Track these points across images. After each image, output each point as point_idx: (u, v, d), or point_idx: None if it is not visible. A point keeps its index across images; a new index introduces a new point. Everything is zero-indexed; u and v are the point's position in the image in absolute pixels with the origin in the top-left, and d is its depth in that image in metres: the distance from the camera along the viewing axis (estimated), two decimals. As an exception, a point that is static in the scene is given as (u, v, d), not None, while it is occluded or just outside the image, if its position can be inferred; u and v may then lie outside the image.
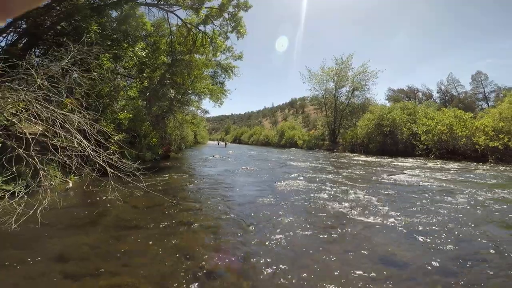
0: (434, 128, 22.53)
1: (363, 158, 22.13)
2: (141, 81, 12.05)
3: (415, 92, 49.03)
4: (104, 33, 10.02)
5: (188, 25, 14.30)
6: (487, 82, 40.32)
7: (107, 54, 8.88)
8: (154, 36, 14.13)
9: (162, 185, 7.46)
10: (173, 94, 16.00)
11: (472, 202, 6.15)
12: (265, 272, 2.92)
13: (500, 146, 17.56)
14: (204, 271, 2.90)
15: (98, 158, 4.98)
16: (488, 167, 14.98)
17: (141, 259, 3.17)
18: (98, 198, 5.69)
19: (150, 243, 3.61)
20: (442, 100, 43.34)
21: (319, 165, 15.26)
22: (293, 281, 2.75)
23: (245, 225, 4.45)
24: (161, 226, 4.25)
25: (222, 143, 53.42)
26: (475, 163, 17.23)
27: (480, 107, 37.41)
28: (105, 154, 5.02)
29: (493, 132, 18.55)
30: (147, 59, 12.52)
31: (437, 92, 45.95)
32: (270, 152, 27.44)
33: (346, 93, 37.42)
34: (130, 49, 10.80)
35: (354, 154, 26.87)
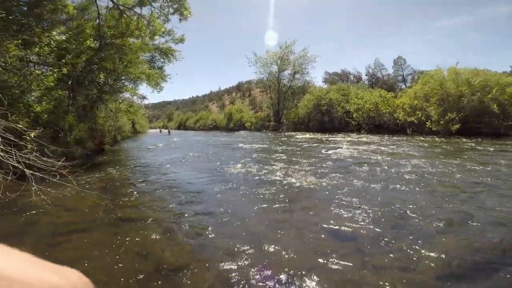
0: (364, 107, 25.49)
1: (305, 135, 23.76)
2: (60, 69, 10.34)
3: (348, 75, 53.84)
4: (11, 17, 8.30)
5: (121, 7, 12.64)
6: (405, 66, 46.69)
7: (14, 41, 7.38)
8: (78, 20, 12.16)
9: (98, 182, 6.78)
10: (102, 81, 14.14)
11: (401, 168, 7.24)
12: (225, 258, 2.92)
13: (415, 121, 20.76)
14: (165, 267, 2.80)
15: (11, 160, 4.22)
16: (406, 138, 17.70)
17: (91, 264, 2.90)
18: (21, 205, 4.89)
19: (96, 246, 3.31)
20: (370, 82, 48.61)
21: (266, 145, 15.83)
22: (253, 264, 2.80)
23: (197, 214, 4.38)
24: (104, 226, 3.91)
25: (165, 131, 50.40)
26: (396, 135, 20.19)
27: (400, 87, 43.15)
28: (20, 154, 4.28)
29: (410, 109, 21.76)
30: (68, 44, 10.79)
31: (366, 75, 51.38)
32: (218, 136, 27.16)
33: (288, 76, 39.35)
34: (46, 34, 9.12)
35: (297, 133, 28.66)
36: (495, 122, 16.74)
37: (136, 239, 3.48)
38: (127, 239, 3.48)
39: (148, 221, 4.05)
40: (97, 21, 12.75)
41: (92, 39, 12.90)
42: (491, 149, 10.88)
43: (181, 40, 16.81)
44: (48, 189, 4.52)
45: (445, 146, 12.47)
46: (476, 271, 2.56)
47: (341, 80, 48.21)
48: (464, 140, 15.15)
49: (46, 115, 8.88)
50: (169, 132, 45.78)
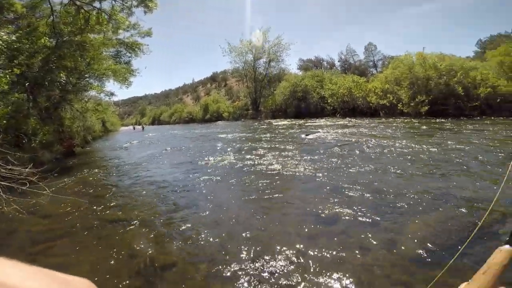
0: (338, 92, 26.22)
1: (283, 122, 24.09)
2: (11, 70, 9.37)
3: (321, 61, 54.63)
4: None
5: (78, 3, 11.57)
6: (376, 52, 48.20)
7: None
8: (28, 18, 11.01)
9: (73, 186, 6.37)
10: (64, 80, 13.08)
11: (377, 150, 7.54)
12: (213, 251, 2.91)
13: (387, 104, 21.73)
14: (154, 265, 2.74)
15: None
16: (380, 120, 18.49)
17: (76, 269, 2.76)
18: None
19: (79, 251, 3.15)
20: (342, 68, 49.75)
21: (246, 134, 15.80)
22: (242, 252, 2.82)
23: (180, 208, 4.28)
24: (86, 230, 3.71)
25: (138, 127, 48.36)
26: (370, 118, 21.06)
27: (371, 73, 44.58)
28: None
29: (381, 93, 22.68)
30: (20, 44, 9.78)
31: (338, 61, 52.43)
32: (196, 129, 26.59)
33: (264, 64, 39.34)
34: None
35: (275, 120, 29.03)
36: (460, 103, 17.92)
37: (121, 240, 3.36)
38: (111, 241, 3.36)
39: (131, 221, 3.91)
40: (51, 18, 11.68)
41: (47, 38, 11.81)
42: (457, 129, 11.71)
43: (148, 34, 16.10)
44: (20, 198, 4.20)
45: (416, 127, 13.21)
46: (452, 248, 2.67)
47: (315, 67, 48.88)
48: (433, 120, 16.16)
49: (4, 121, 8.09)
50: (143, 128, 44.03)
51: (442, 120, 16.20)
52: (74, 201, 4.88)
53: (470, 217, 3.28)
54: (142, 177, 6.76)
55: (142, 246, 3.16)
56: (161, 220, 3.90)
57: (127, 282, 2.50)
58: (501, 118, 15.12)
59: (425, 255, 2.59)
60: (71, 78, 13.95)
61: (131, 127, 55.85)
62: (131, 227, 3.73)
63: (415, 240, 2.84)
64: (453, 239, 2.86)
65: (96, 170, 8.36)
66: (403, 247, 2.73)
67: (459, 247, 2.64)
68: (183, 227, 3.61)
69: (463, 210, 3.47)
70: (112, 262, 2.85)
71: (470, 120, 15.25)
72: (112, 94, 18.61)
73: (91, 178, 7.19)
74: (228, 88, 78.38)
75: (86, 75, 15.16)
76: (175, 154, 10.47)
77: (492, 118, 15.60)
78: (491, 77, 17.88)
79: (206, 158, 8.33)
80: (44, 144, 10.22)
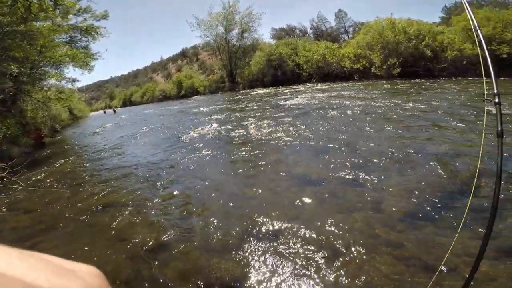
0: (312, 58, 26.22)
1: (261, 91, 23.99)
2: None
3: (294, 29, 53.26)
4: None
5: None
6: (346, 19, 47.79)
7: None
8: None
9: (49, 177, 6.07)
10: (16, 72, 11.93)
11: (354, 111, 7.73)
12: (203, 227, 2.88)
13: (361, 67, 22.15)
14: (147, 247, 2.71)
15: None
16: (354, 84, 18.81)
17: (69, 258, 2.69)
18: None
19: (70, 241, 3.09)
20: (315, 35, 49.00)
21: (224, 105, 15.59)
22: (233, 225, 2.83)
23: (165, 187, 4.22)
24: (72, 220, 3.62)
25: (109, 111, 45.74)
26: (345, 82, 21.37)
27: (343, 39, 44.32)
28: None
29: (354, 57, 22.94)
30: None
31: (310, 29, 51.45)
32: (171, 106, 25.55)
33: (236, 36, 38.03)
34: None
35: (253, 89, 28.73)
36: (429, 65, 18.73)
37: (109, 225, 3.30)
38: (99, 228, 3.31)
39: (117, 206, 3.85)
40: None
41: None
42: (429, 88, 12.32)
43: (104, 16, 15.59)
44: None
45: (389, 88, 13.68)
46: (435, 204, 2.77)
47: (288, 35, 47.72)
48: (404, 81, 16.73)
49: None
50: (114, 111, 41.74)
51: (413, 80, 16.87)
52: (54, 192, 4.68)
53: (448, 171, 3.45)
54: (122, 160, 6.55)
55: (132, 229, 3.11)
56: (148, 202, 3.83)
57: (121, 267, 2.48)
58: (469, 78, 15.99)
59: (411, 215, 2.64)
60: (23, 69, 12.81)
61: (101, 111, 52.77)
62: (118, 211, 3.66)
63: (399, 198, 2.92)
64: (435, 194, 2.93)
65: (71, 159, 7.98)
66: (388, 206, 2.79)
67: (443, 201, 2.79)
68: (171, 206, 3.57)
69: (440, 165, 3.63)
70: (103, 249, 2.82)
71: (439, 81, 16.00)
72: (74, 80, 17.70)
73: (67, 167, 6.86)
74: (200, 62, 74.94)
75: (40, 64, 14.10)
76: (153, 133, 10.14)
77: (459, 78, 16.47)
78: (457, 41, 18.63)
79: (185, 133, 8.16)
80: (9, 138, 9.48)
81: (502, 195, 2.64)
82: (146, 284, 2.23)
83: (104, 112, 46.95)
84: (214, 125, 8.78)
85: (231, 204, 3.31)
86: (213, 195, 3.65)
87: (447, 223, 2.46)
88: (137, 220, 3.33)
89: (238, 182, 3.95)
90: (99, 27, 15.66)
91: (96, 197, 4.32)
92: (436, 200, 2.83)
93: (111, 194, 4.39)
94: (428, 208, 2.71)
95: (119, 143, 9.27)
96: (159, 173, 4.93)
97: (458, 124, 5.50)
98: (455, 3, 38.57)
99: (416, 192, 3.02)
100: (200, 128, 8.57)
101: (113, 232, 3.12)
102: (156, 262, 2.47)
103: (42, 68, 14.53)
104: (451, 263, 1.96)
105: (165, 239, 2.81)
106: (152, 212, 3.49)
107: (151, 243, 2.78)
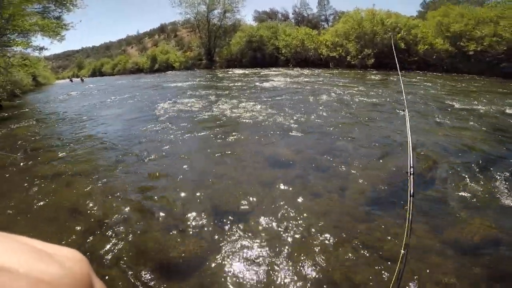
0: (291, 43, 26.33)
1: (239, 71, 23.64)
2: None
3: (276, 13, 52.98)
4: None
5: None
6: (328, 6, 48.33)
7: None
8: None
9: (1, 141, 5.62)
10: None
11: (326, 97, 8.08)
12: (168, 203, 2.76)
13: (336, 56, 22.58)
14: (106, 220, 2.57)
15: None
16: (329, 71, 19.30)
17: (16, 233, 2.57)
18: None
19: (17, 212, 2.84)
20: (296, 20, 49.04)
21: (199, 82, 15.22)
22: (198, 203, 2.74)
23: (130, 160, 4.00)
24: (22, 189, 3.31)
25: (76, 79, 42.71)
26: (321, 68, 21.78)
27: (323, 26, 44.80)
28: None
29: (331, 45, 23.33)
30: None
31: (292, 14, 51.48)
32: (144, 78, 24.43)
33: (218, 15, 37.31)
34: None
35: (230, 69, 28.24)
36: (402, 58, 19.50)
37: (66, 196, 3.08)
38: (53, 196, 3.09)
39: (76, 175, 3.61)
40: None
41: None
42: (398, 79, 13.01)
43: None
44: None
45: (360, 77, 14.29)
46: (394, 193, 2.86)
47: (270, 19, 47.23)
48: (377, 72, 17.50)
49: None
50: (82, 80, 38.90)
51: (385, 71, 17.65)
52: (4, 156, 4.32)
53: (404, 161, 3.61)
54: (86, 128, 6.20)
55: (90, 201, 2.92)
56: (110, 172, 3.64)
57: (76, 241, 2.34)
58: (435, 73, 16.87)
59: (374, 202, 2.73)
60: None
61: (67, 80, 48.98)
62: (76, 181, 3.43)
63: (361, 184, 2.98)
64: (394, 182, 3.00)
65: (29, 123, 7.45)
66: (354, 194, 2.85)
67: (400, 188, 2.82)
68: (133, 179, 3.40)
69: (399, 152, 3.75)
70: (57, 220, 2.65)
71: (409, 72, 16.83)
72: (42, 48, 16.81)
73: (23, 132, 6.37)
74: (179, 39, 71.73)
75: (6, 32, 13.45)
76: (122, 103, 9.71)
77: (425, 72, 17.38)
78: (430, 35, 19.41)
79: (157, 107, 7.91)
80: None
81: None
82: (103, 261, 2.12)
83: (71, 80, 43.75)
84: (187, 99, 8.61)
85: (199, 181, 3.19)
86: (180, 171, 3.50)
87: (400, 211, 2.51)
88: (95, 192, 3.12)
89: (207, 160, 3.84)
90: (75, -2, 15.03)
91: (51, 165, 4.04)
92: (395, 188, 2.90)
93: (69, 162, 4.12)
94: (388, 195, 2.79)
95: (84, 111, 8.78)
96: (123, 145, 4.69)
97: (419, 114, 5.85)
98: (433, -4, 39.53)
99: (377, 179, 3.07)
100: (172, 102, 8.37)
101: (68, 205, 2.91)
102: (115, 239, 2.33)
103: (8, 35, 13.88)
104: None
105: (125, 214, 2.66)
106: (114, 184, 3.29)
107: (110, 217, 2.62)
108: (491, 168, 3.22)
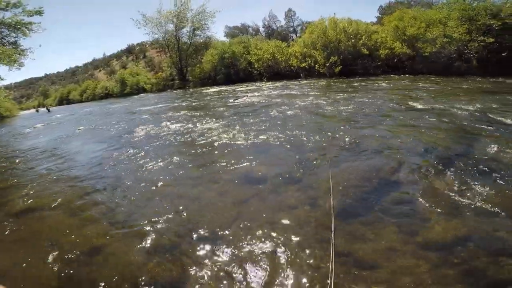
0: (263, 57, 26.81)
1: (213, 89, 23.77)
2: None
3: (247, 28, 54.06)
4: None
5: None
6: (295, 18, 50.19)
7: None
8: None
9: None
10: None
11: (299, 110, 8.27)
12: (144, 227, 2.79)
13: (306, 66, 23.38)
14: (82, 250, 2.55)
15: None
16: (301, 82, 19.99)
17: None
18: None
19: None
20: (266, 33, 50.43)
21: (172, 104, 15.01)
22: (173, 226, 2.78)
23: (103, 188, 3.96)
24: None
25: (42, 109, 40.71)
26: (293, 80, 22.49)
27: (291, 38, 46.41)
28: None
29: (301, 56, 24.15)
30: None
31: (263, 27, 52.77)
32: (114, 104, 23.62)
33: (188, 33, 37.32)
34: None
35: (205, 87, 28.29)
36: (366, 63, 20.56)
37: (36, 230, 3.04)
38: (24, 233, 3.03)
39: (47, 209, 3.52)
40: None
41: None
42: (364, 85, 13.70)
43: (38, 13, 14.51)
44: None
45: (329, 86, 14.87)
46: (367, 200, 2.94)
47: (241, 33, 48.16)
48: (344, 79, 18.37)
49: None
50: (48, 109, 37.07)
51: (353, 78, 18.54)
52: None
53: (380, 165, 3.73)
54: (53, 162, 5.90)
55: (64, 233, 2.90)
56: (82, 203, 3.59)
57: (52, 273, 2.31)
58: (398, 75, 18.00)
59: (344, 207, 2.84)
60: None
61: (33, 110, 46.42)
62: (47, 215, 3.37)
63: (338, 195, 3.05)
64: (368, 190, 3.12)
65: None
66: (323, 202, 2.93)
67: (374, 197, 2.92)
68: (108, 206, 3.39)
69: (375, 159, 3.93)
70: (31, 255, 2.59)
71: (376, 77, 17.75)
72: None
73: None
74: (148, 59, 71.01)
75: None
76: (90, 132, 9.38)
77: (391, 75, 18.42)
78: (389, 40, 20.73)
79: (128, 132, 7.74)
80: None
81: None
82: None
83: (37, 111, 41.62)
84: (158, 124, 8.46)
85: (173, 206, 3.20)
86: (152, 196, 3.53)
87: (374, 217, 2.61)
88: (68, 223, 3.11)
89: (180, 183, 3.85)
90: (31, 23, 14.96)
91: (19, 202, 3.86)
92: (367, 197, 2.99)
93: (39, 197, 3.96)
94: (359, 204, 2.89)
95: (52, 142, 8.37)
96: (93, 174, 4.61)
97: (392, 119, 6.17)
98: (389, 2, 42.41)
99: (349, 187, 3.19)
100: (144, 127, 8.22)
101: (41, 239, 2.85)
102: (92, 267, 2.35)
103: (-43, 67, 13.18)
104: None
105: (99, 242, 2.67)
106: (86, 215, 3.26)
107: (84, 246, 2.61)
108: (455, 166, 3.40)
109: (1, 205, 3.83)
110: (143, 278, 2.16)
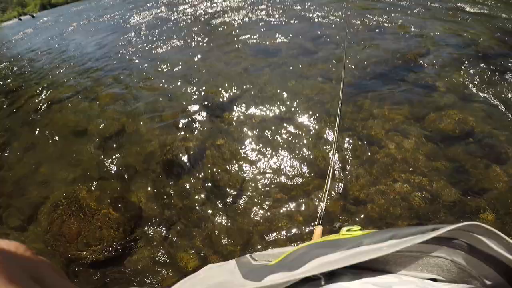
0: None
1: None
2: None
3: None
4: None
5: None
6: None
7: None
8: None
9: None
10: None
11: None
12: (164, 102, 2.87)
13: None
14: (107, 134, 2.65)
15: None
16: None
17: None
18: None
19: (26, 148, 2.89)
20: None
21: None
22: (193, 95, 2.88)
23: (112, 70, 3.95)
24: (18, 125, 3.30)
25: (26, 17, 36.84)
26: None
27: None
28: None
29: None
30: None
31: None
32: None
33: None
34: None
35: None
36: None
37: (60, 122, 3.14)
38: (50, 126, 3.11)
39: (64, 100, 3.53)
40: None
41: None
42: None
43: None
44: None
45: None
46: (386, 74, 2.92)
47: None
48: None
49: None
50: (32, 16, 33.43)
51: None
52: None
53: (405, 50, 3.88)
54: (58, 59, 5.54)
55: (86, 119, 3.01)
56: (98, 88, 3.59)
57: (86, 161, 2.47)
58: None
59: (357, 83, 2.81)
60: None
61: (15, 20, 42.32)
62: (67, 106, 3.39)
63: (351, 68, 3.01)
64: (385, 71, 3.02)
65: None
66: (335, 76, 2.87)
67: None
68: (122, 88, 3.38)
69: (401, 43, 3.58)
70: (63, 146, 2.75)
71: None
72: None
73: None
74: None
75: None
76: (88, 27, 8.51)
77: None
78: None
79: (128, 19, 7.21)
80: None
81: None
82: (112, 172, 2.32)
83: (20, 19, 37.74)
84: (159, 7, 7.71)
85: (186, 78, 3.21)
86: (166, 71, 3.52)
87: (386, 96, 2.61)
88: (92, 109, 3.17)
89: (191, 58, 3.77)
90: None
91: (38, 98, 3.85)
92: (382, 76, 2.91)
93: (54, 91, 3.92)
94: (373, 82, 2.81)
95: (48, 43, 7.77)
96: (103, 61, 4.47)
97: None
98: None
99: (364, 66, 3.08)
100: (143, 13, 7.54)
101: (68, 128, 2.96)
102: (119, 149, 2.51)
103: None
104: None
105: (122, 123, 2.77)
106: (105, 100, 3.27)
107: (108, 130, 2.73)
108: (487, 65, 3.01)
109: (22, 105, 3.83)
110: (159, 152, 2.35)
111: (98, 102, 3.26)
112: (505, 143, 2.02)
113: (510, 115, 2.27)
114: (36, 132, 3.04)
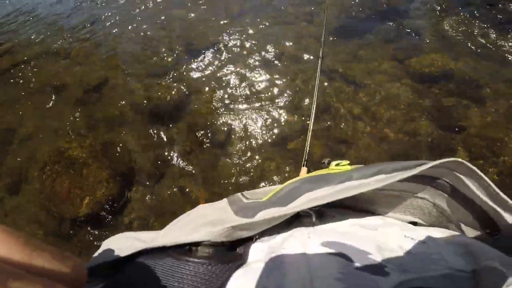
0: None
1: None
2: None
3: None
4: None
5: None
6: None
7: None
8: None
9: None
10: None
11: None
12: (144, 52, 2.83)
13: None
14: (89, 86, 2.59)
15: None
16: None
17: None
18: None
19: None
20: None
21: None
22: (171, 41, 2.85)
23: (97, 19, 3.69)
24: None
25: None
26: None
27: None
28: None
29: None
30: None
31: None
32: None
33: None
34: None
35: None
36: None
37: (37, 79, 2.96)
38: (26, 85, 2.93)
39: (45, 57, 3.27)
40: None
41: None
42: None
43: None
44: None
45: None
46: (373, 17, 2.87)
47: None
48: None
49: None
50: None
51: None
52: None
53: None
54: (41, 22, 4.69)
55: (64, 74, 2.88)
56: (77, 42, 3.36)
57: (68, 116, 2.42)
58: None
59: (343, 25, 2.76)
60: None
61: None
62: (42, 61, 3.20)
63: (336, 10, 2.92)
64: (371, 13, 2.95)
65: None
66: (319, 18, 2.81)
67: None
68: (98, 41, 3.25)
69: None
70: (40, 104, 2.64)
71: None
72: None
73: None
74: None
75: None
76: None
77: None
78: None
79: None
80: None
81: None
82: (99, 125, 2.30)
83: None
84: None
85: (166, 25, 3.14)
86: (148, 20, 3.36)
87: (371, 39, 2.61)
88: (71, 64, 3.02)
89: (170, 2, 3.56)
90: None
91: (8, 57, 3.48)
92: (368, 18, 2.88)
93: (27, 50, 3.53)
94: (359, 25, 2.78)
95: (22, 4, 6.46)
96: (72, 15, 4.05)
97: None
98: None
99: (349, 8, 3.00)
100: None
101: (46, 84, 2.82)
102: (102, 101, 2.47)
103: None
104: None
105: (102, 78, 2.68)
106: (81, 49, 3.19)
107: (92, 82, 2.66)
108: (474, 14, 2.85)
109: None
110: (145, 102, 2.34)
111: (75, 55, 3.10)
112: (485, 86, 2.07)
113: (493, 61, 2.28)
114: (13, 90, 2.89)
